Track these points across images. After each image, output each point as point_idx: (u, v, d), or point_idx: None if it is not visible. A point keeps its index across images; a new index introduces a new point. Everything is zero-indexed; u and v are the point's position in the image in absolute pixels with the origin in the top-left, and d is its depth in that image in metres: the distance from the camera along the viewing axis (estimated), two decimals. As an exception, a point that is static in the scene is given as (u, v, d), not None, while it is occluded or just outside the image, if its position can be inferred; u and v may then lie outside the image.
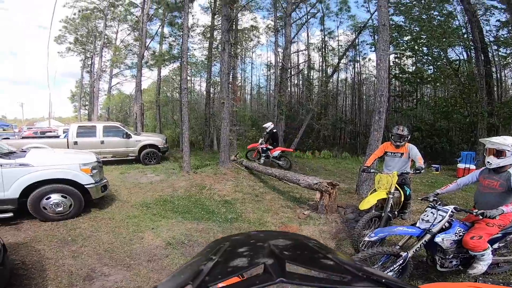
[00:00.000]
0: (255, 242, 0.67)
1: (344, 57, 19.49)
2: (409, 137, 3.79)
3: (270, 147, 9.63)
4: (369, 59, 21.24)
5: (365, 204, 3.50)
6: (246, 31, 17.90)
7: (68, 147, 9.38)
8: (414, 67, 16.20)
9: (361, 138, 18.02)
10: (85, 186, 4.50)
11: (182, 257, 3.19)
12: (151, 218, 4.50)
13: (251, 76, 25.80)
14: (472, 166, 8.40)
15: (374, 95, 18.88)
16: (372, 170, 3.97)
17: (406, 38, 14.50)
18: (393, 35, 13.83)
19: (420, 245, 2.47)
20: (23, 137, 10.46)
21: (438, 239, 2.44)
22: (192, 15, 16.87)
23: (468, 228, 2.53)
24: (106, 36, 18.36)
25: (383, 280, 0.45)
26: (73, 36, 19.36)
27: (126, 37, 18.76)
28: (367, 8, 17.71)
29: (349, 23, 20.04)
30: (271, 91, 21.13)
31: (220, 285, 0.47)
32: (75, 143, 9.48)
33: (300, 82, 21.19)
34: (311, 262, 0.54)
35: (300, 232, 4.14)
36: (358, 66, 21.43)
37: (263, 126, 10.90)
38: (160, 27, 16.27)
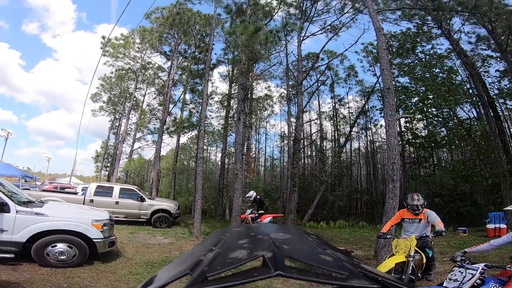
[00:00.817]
0: (255, 235, 0.67)
1: (356, 124, 19.58)
2: (425, 204, 3.73)
3: (259, 213, 9.45)
4: (381, 125, 20.35)
5: (383, 268, 3.27)
6: (260, 100, 18.97)
7: (83, 204, 9.56)
8: (426, 131, 15.64)
9: (378, 207, 17.11)
10: (93, 240, 4.50)
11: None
12: (154, 277, 4.22)
13: (265, 147, 26.51)
14: (503, 225, 8.09)
15: (388, 163, 18.52)
16: (388, 236, 3.84)
17: (414, 100, 14.12)
18: (401, 97, 13.76)
19: None
20: (43, 190, 10.84)
21: None
22: (212, 83, 17.85)
23: (504, 284, 2.26)
24: (135, 98, 19.32)
25: (379, 279, 0.46)
26: (107, 95, 20.58)
27: (152, 101, 19.82)
28: (373, 71, 18.14)
29: (357, 88, 20.35)
30: (284, 163, 21.33)
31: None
32: (91, 201, 9.67)
33: (313, 153, 21.40)
34: (310, 257, 0.53)
35: None
36: (371, 134, 21.20)
37: (246, 196, 10.71)
38: (183, 93, 17.41)
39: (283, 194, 16.29)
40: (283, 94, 20.30)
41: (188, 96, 17.98)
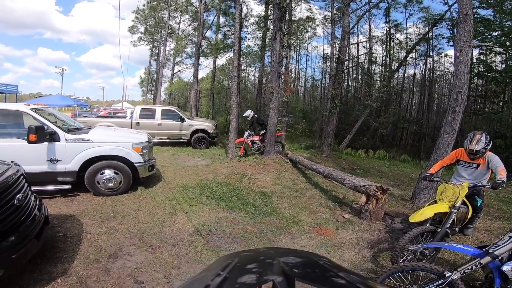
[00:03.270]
0: (264, 259, 0.66)
1: (414, 51, 17.25)
2: (488, 148, 3.07)
3: (261, 134, 9.29)
4: (445, 55, 18.35)
5: (418, 216, 2.97)
6: (301, 22, 17.21)
7: (131, 127, 10.47)
8: (504, 65, 13.61)
9: (426, 140, 15.90)
10: (135, 164, 4.88)
11: (205, 246, 3.20)
12: (188, 202, 4.67)
13: (306, 68, 24.92)
14: None
15: (449, 94, 16.38)
16: (436, 178, 3.32)
17: (495, 34, 12.31)
18: (478, 29, 11.89)
19: (472, 267, 2.01)
20: (97, 116, 12.04)
21: (506, 267, 1.92)
22: (246, 5, 17.05)
23: None
24: (170, 27, 19.73)
25: None
26: (143, 26, 21.41)
27: (187, 28, 20.01)
28: (443, 0, 15.31)
29: (420, 15, 17.51)
30: (326, 84, 20.14)
31: None
32: (138, 123, 10.49)
33: (359, 76, 19.55)
34: (321, 280, 0.53)
35: (336, 237, 3.84)
36: (431, 62, 18.65)
37: (243, 115, 10.41)
38: (216, 17, 16.78)
39: (322, 116, 15.73)
40: (327, 17, 18.27)
41: (221, 20, 17.32)
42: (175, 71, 20.53)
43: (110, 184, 4.69)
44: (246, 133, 9.33)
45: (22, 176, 2.64)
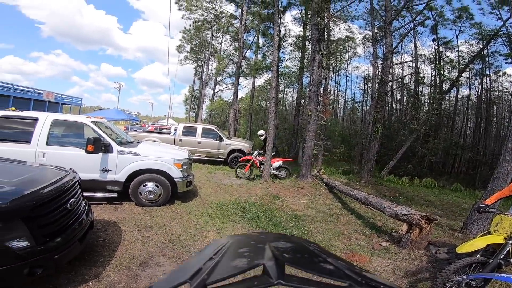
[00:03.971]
0: (255, 243, 0.68)
1: (467, 70, 15.92)
2: None
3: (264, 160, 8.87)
4: (504, 73, 16.60)
5: (468, 247, 2.67)
6: (340, 42, 17.18)
7: (174, 143, 11.17)
8: None
9: (483, 169, 14.16)
10: (174, 179, 5.16)
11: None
12: (220, 219, 4.74)
13: (345, 90, 24.34)
14: None
15: (509, 117, 14.57)
16: (491, 210, 3.02)
17: None
18: None
19: None
20: (145, 131, 13.15)
21: None
22: (284, 26, 17.54)
23: None
24: (212, 46, 21.07)
25: (381, 287, 0.45)
26: (189, 46, 23.11)
27: (228, 48, 21.20)
28: (496, 15, 14.25)
29: (472, 31, 16.18)
30: (367, 107, 19.37)
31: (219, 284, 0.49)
32: (180, 140, 11.16)
33: (404, 98, 18.47)
34: (310, 265, 0.54)
35: (370, 265, 3.57)
36: (487, 81, 16.93)
37: (258, 133, 10.14)
38: (256, 37, 17.58)
39: (363, 140, 15.07)
40: (367, 36, 17.87)
41: (261, 40, 18.11)
42: (216, 90, 21.63)
43: (151, 196, 4.99)
44: (256, 152, 9.27)
45: (77, 183, 2.93)
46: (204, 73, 21.38)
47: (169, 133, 12.92)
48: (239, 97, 18.98)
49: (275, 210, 5.83)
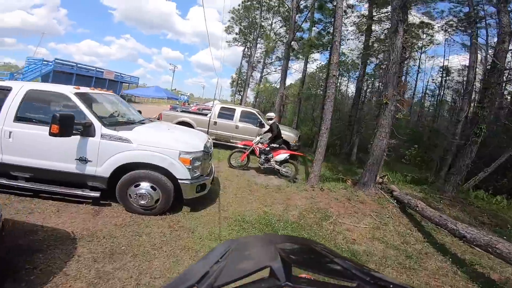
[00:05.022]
0: (262, 245, 0.68)
1: None
2: None
3: (270, 146, 6.92)
4: None
5: None
6: (413, 29, 13.49)
7: (208, 127, 9.74)
8: None
9: None
10: (178, 180, 3.54)
11: None
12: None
13: (416, 82, 19.99)
14: None
15: None
16: None
17: None
18: None
19: None
20: (182, 111, 12.01)
21: None
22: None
23: None
24: (262, 27, 19.51)
25: (391, 286, 0.44)
26: (238, 27, 21.80)
27: (278, 30, 19.43)
28: None
29: None
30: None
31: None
32: (215, 123, 9.67)
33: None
34: (318, 266, 0.54)
35: None
36: None
37: (267, 115, 7.86)
38: (309, 13, 14.81)
39: (450, 143, 11.69)
40: (451, 22, 13.42)
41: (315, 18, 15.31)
42: (264, 74, 19.94)
43: (143, 202, 3.47)
44: (258, 138, 7.21)
45: None
46: (252, 55, 20.15)
47: (205, 114, 11.56)
48: (287, 83, 16.82)
49: (322, 238, 3.88)
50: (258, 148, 6.99)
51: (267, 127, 9.34)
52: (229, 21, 22.31)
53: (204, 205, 4.14)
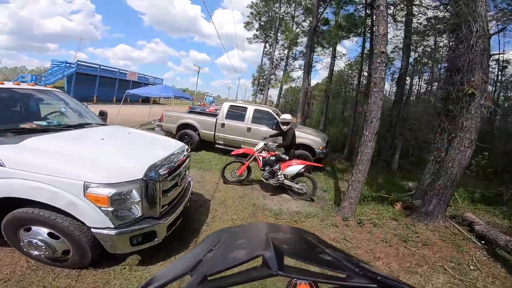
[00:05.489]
0: (254, 235, 0.68)
1: None
2: None
3: (282, 156, 5.14)
4: None
5: None
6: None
7: (214, 129, 8.11)
8: None
9: None
10: (91, 229, 1.87)
11: None
12: None
13: None
14: None
15: None
16: None
17: None
18: None
19: None
20: (190, 111, 10.53)
21: None
22: None
23: None
24: (282, 19, 17.86)
25: (379, 278, 0.46)
26: (257, 22, 20.35)
27: (301, 23, 17.64)
28: None
29: None
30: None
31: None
32: (223, 125, 8.02)
33: None
34: (309, 256, 0.55)
35: None
36: None
37: (281, 118, 5.45)
38: None
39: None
40: None
41: None
42: (287, 71, 17.95)
43: (37, 252, 1.92)
44: (261, 143, 5.30)
45: None
46: (273, 51, 18.48)
47: (215, 115, 9.98)
48: (312, 83, 14.71)
49: None
50: (261, 158, 5.18)
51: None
52: (248, 16, 20.96)
53: (168, 253, 2.43)
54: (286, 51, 18.88)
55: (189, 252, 0.62)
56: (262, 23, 20.55)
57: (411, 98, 13.86)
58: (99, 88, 24.70)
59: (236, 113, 8.14)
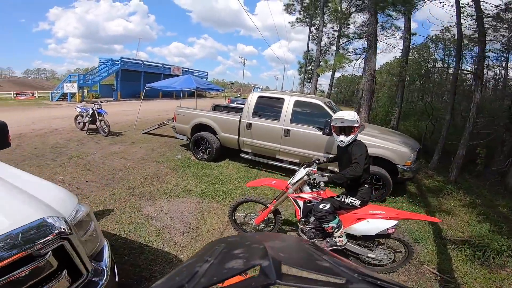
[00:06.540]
0: (250, 244, 0.67)
1: None
2: None
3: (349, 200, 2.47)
4: None
5: None
6: None
7: (238, 133, 5.64)
8: None
9: None
10: None
11: None
12: None
13: None
14: None
15: None
16: None
17: None
18: None
19: None
20: (215, 108, 8.24)
21: None
22: None
23: None
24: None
25: (378, 282, 0.45)
26: (299, 4, 17.67)
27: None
28: None
29: None
30: None
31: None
32: (249, 125, 5.49)
33: None
34: (307, 263, 0.54)
35: None
36: None
37: (338, 116, 2.52)
38: None
39: None
40: None
41: None
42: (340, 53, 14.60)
43: None
44: (304, 171, 2.62)
45: None
46: (320, 30, 15.02)
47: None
48: (380, 63, 11.02)
49: None
50: (300, 202, 2.67)
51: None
52: (288, -1, 18.04)
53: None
54: (336, 34, 15.80)
55: (185, 263, 0.61)
56: (305, 4, 17.48)
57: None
58: (145, 84, 24.51)
59: (268, 107, 5.51)
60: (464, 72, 7.85)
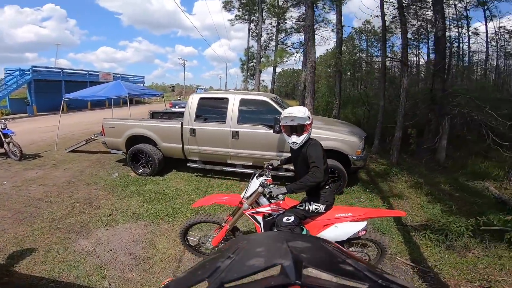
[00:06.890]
0: (273, 243, 0.66)
1: None
2: None
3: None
4: None
5: None
6: None
7: (182, 141, 5.03)
8: None
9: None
10: None
11: None
12: None
13: None
14: None
15: None
16: None
17: None
18: None
19: None
20: (152, 114, 7.40)
21: None
22: None
23: None
24: None
25: None
26: (238, 1, 17.59)
27: None
28: None
29: None
30: None
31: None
32: (192, 131, 4.92)
33: None
34: (329, 266, 0.52)
35: None
36: None
37: (287, 113, 2.19)
38: None
39: None
40: None
41: None
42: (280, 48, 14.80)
43: None
44: (257, 182, 2.25)
45: None
46: (259, 26, 15.25)
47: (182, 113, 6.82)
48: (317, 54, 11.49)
49: None
50: (259, 217, 2.31)
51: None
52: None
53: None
54: (274, 30, 15.94)
55: (208, 258, 0.60)
56: (243, 0, 17.40)
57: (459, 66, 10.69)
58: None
59: (213, 109, 5.03)
60: (391, 59, 8.54)
